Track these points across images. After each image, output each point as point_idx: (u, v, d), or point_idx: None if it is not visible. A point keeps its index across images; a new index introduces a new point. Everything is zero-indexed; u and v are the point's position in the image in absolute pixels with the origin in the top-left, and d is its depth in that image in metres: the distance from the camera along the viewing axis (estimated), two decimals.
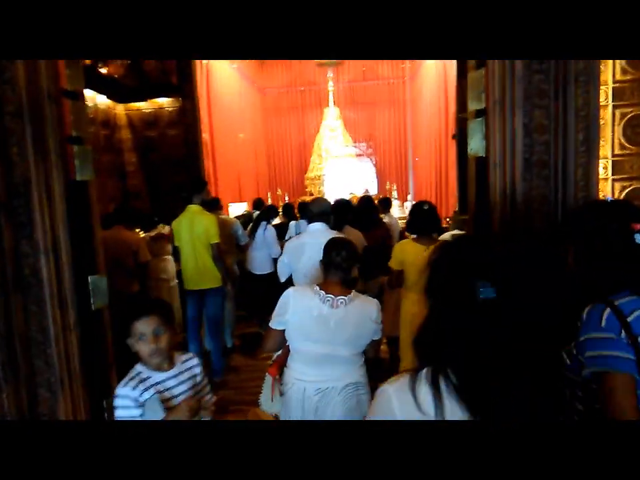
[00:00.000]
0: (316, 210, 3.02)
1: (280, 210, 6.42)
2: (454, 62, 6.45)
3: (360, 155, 11.05)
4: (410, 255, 2.90)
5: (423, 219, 2.87)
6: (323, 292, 1.96)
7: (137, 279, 4.19)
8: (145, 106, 6.77)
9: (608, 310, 1.15)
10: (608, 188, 2.02)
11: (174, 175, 6.58)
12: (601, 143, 2.00)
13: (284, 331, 2.00)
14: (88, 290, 2.51)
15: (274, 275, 3.37)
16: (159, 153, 6.73)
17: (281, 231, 5.35)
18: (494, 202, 2.21)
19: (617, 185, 2.01)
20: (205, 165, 6.86)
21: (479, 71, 2.27)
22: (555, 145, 2.00)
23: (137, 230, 4.92)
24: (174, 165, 6.63)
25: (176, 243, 4.08)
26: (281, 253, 3.28)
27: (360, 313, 1.97)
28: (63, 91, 2.31)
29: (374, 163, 11.24)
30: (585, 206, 1.61)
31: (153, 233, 5.01)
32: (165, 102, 6.72)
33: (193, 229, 3.95)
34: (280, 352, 2.12)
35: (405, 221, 3.98)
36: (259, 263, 5.06)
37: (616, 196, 2.11)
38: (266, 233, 5.01)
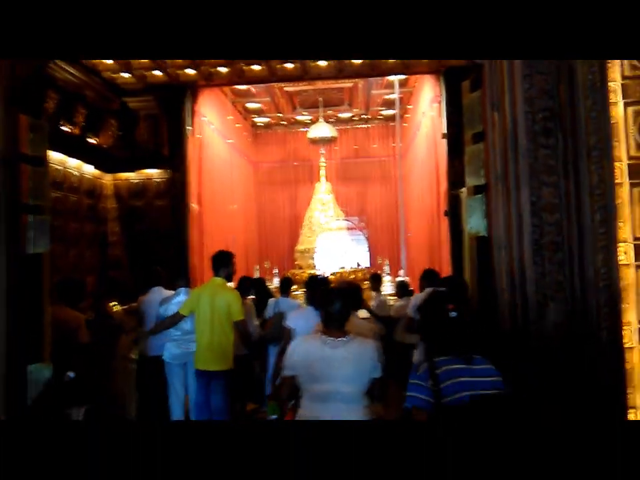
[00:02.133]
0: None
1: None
2: (444, 141, 6.53)
3: (352, 229, 11.00)
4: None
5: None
6: (324, 336, 2.20)
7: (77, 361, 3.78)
8: (133, 176, 6.66)
9: (426, 365, 1.72)
10: (625, 194, 1.75)
11: (158, 245, 6.33)
12: (614, 144, 1.78)
13: (294, 377, 2.19)
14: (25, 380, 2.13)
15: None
16: (144, 223, 6.52)
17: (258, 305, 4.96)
18: (501, 288, 1.95)
19: (636, 191, 1.74)
20: (191, 236, 6.64)
21: (477, 145, 2.12)
22: (569, 226, 1.79)
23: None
24: (159, 236, 6.40)
25: (182, 311, 3.68)
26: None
27: (358, 352, 2.15)
28: (22, 156, 2.10)
29: (366, 236, 11.16)
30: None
31: (126, 306, 4.63)
32: (154, 172, 6.64)
33: (215, 303, 3.61)
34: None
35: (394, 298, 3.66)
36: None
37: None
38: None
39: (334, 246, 10.11)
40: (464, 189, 2.43)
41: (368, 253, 10.66)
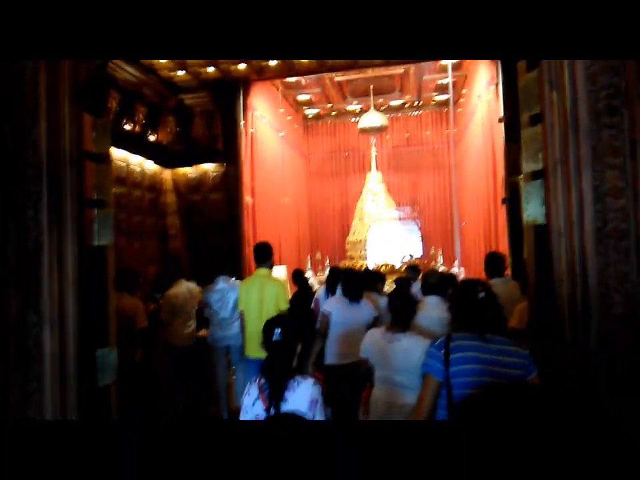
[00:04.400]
0: (432, 281, 3.28)
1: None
2: (501, 125, 6.25)
3: (404, 218, 10.82)
4: None
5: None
6: (384, 330, 2.65)
7: (137, 348, 3.99)
8: (190, 171, 6.92)
9: (443, 337, 1.84)
10: None
11: (214, 238, 6.55)
12: None
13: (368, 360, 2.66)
14: (95, 364, 2.29)
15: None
16: (201, 216, 6.77)
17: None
18: (559, 279, 1.85)
19: None
20: (245, 228, 6.81)
21: (535, 128, 2.00)
22: (636, 211, 1.65)
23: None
24: (215, 228, 6.62)
25: (240, 307, 3.88)
26: None
27: (410, 346, 2.45)
28: (87, 153, 2.24)
29: (419, 226, 10.93)
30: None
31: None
32: (209, 167, 6.86)
33: (263, 293, 3.79)
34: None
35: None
36: None
37: None
38: None
39: (386, 236, 10.00)
40: (522, 175, 2.31)
41: (421, 244, 10.45)
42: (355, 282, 3.56)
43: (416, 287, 4.07)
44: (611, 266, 1.70)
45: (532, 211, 2.12)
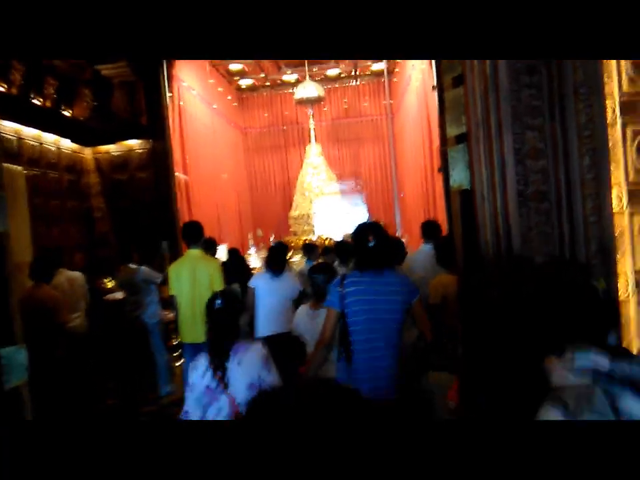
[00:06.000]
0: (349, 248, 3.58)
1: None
2: (435, 94, 6.26)
3: (347, 192, 10.79)
4: None
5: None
6: (308, 307, 2.86)
7: (59, 343, 3.71)
8: (113, 148, 6.43)
9: (340, 276, 2.23)
10: (617, 135, 1.60)
11: (146, 219, 6.17)
12: (605, 80, 1.61)
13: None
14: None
15: None
16: (128, 197, 6.34)
17: None
18: (485, 242, 1.82)
19: (629, 131, 1.59)
20: (179, 207, 6.47)
21: (457, 90, 1.93)
22: (556, 173, 1.63)
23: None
24: (145, 209, 6.23)
25: (172, 291, 3.65)
26: None
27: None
28: None
29: (363, 199, 10.97)
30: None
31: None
32: (134, 144, 6.40)
33: (195, 275, 3.57)
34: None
35: None
36: None
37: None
38: None
39: (331, 211, 9.94)
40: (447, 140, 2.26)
41: (367, 216, 10.50)
42: (277, 256, 3.65)
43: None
44: (533, 229, 1.69)
45: (457, 176, 2.08)
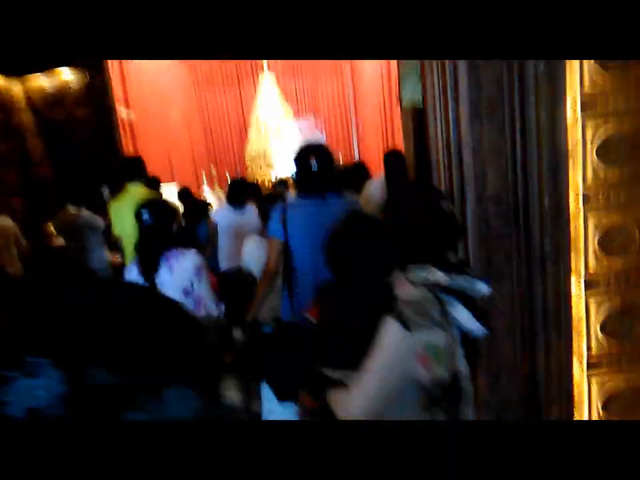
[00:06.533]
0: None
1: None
2: None
3: (306, 128, 10.44)
4: None
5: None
6: (258, 238, 2.80)
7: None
8: (46, 84, 5.85)
9: (281, 203, 2.08)
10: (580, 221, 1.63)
11: (89, 160, 5.77)
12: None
13: None
14: None
15: None
16: (67, 137, 5.88)
17: None
18: (437, 161, 1.75)
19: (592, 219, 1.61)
20: (122, 145, 6.07)
21: None
22: (509, 80, 1.54)
23: None
24: (87, 148, 5.81)
25: (115, 231, 3.35)
26: None
27: None
28: None
29: (323, 134, 10.66)
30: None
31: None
32: (70, 79, 5.83)
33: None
34: None
35: None
36: None
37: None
38: None
39: (289, 148, 9.64)
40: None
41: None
42: (237, 189, 3.57)
43: None
44: (485, 142, 1.62)
45: (409, 94, 1.96)
